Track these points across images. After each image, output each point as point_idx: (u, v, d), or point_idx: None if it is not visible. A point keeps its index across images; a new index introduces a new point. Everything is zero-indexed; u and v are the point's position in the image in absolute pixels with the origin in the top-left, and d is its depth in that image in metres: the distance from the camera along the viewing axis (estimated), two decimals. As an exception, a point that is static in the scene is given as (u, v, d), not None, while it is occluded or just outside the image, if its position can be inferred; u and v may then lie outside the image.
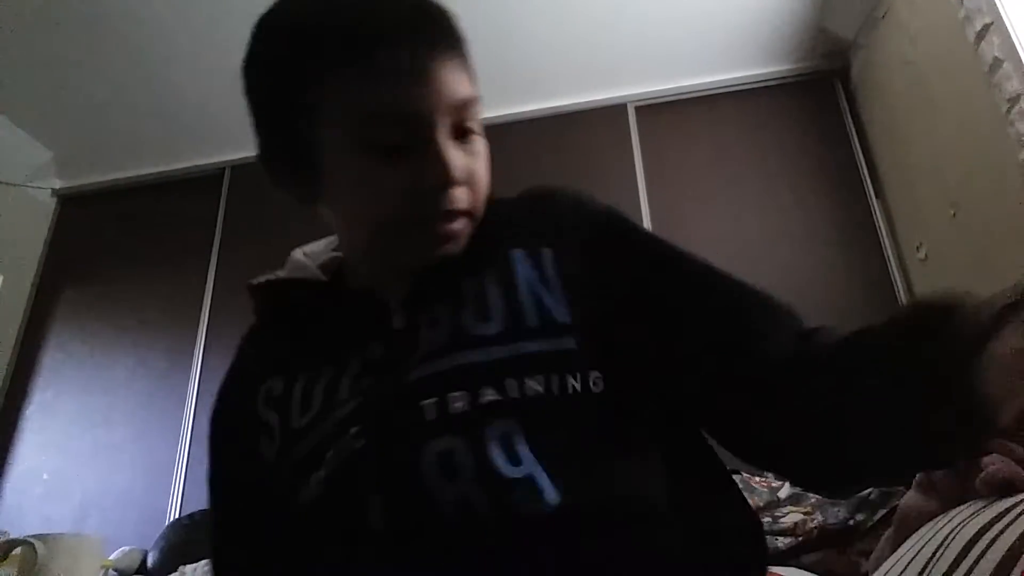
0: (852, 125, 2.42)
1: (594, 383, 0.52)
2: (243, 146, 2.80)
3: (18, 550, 1.25)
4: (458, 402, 0.50)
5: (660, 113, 2.60)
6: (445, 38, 0.54)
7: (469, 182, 0.55)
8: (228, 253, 2.72)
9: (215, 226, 2.77)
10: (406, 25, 0.52)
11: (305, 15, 0.54)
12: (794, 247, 2.29)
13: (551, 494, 0.47)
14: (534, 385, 0.50)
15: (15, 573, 1.22)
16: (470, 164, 0.55)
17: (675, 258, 0.58)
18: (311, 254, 0.67)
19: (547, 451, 0.48)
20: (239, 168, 2.85)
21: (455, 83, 0.53)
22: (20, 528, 2.00)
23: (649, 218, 2.42)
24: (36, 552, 1.23)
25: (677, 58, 2.49)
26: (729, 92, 2.56)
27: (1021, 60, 1.54)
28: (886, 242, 2.24)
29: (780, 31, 2.39)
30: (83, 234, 2.91)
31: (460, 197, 0.54)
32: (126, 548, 2.00)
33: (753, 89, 2.55)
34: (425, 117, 0.52)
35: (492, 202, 0.59)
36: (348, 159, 0.53)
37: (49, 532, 1.31)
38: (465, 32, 0.57)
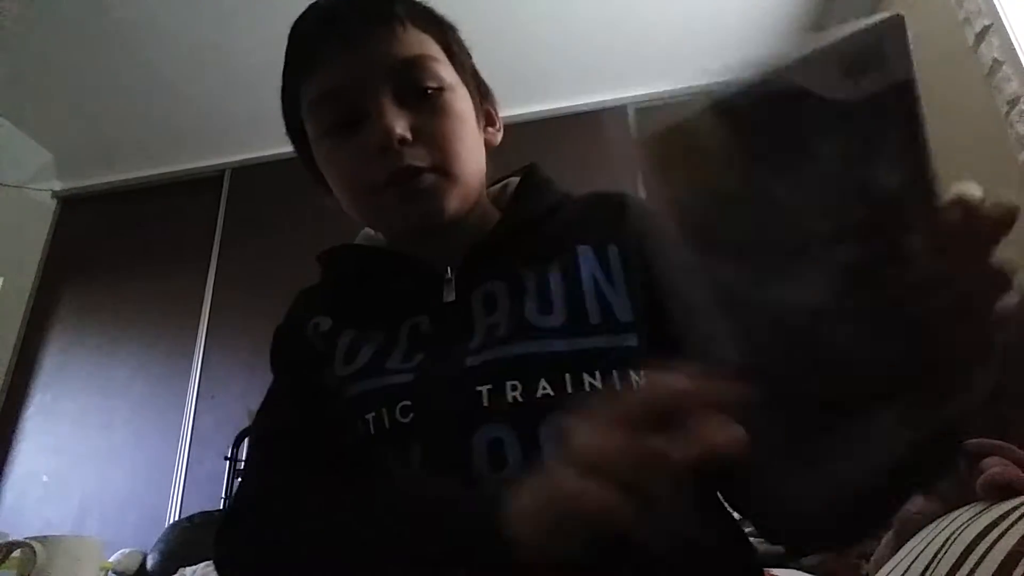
0: (852, 126, 2.42)
1: None
2: (243, 148, 2.80)
3: (17, 552, 1.24)
4: (513, 392, 0.49)
5: (660, 114, 2.59)
6: (377, 13, 0.57)
7: (425, 139, 0.55)
8: (228, 254, 2.72)
9: (215, 227, 2.77)
10: (339, 17, 0.57)
11: (290, 38, 0.60)
12: (794, 248, 2.29)
13: None
14: (592, 381, 0.50)
15: (15, 575, 1.22)
16: (424, 122, 0.56)
17: (667, 262, 0.56)
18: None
19: None
20: (239, 170, 2.85)
21: (389, 48, 0.56)
22: (19, 530, 1.99)
23: (649, 219, 2.42)
24: (35, 554, 1.23)
25: (677, 60, 2.49)
26: (729, 93, 2.56)
27: (1021, 62, 1.54)
28: (886, 243, 2.23)
29: (779, 33, 2.40)
30: (83, 235, 2.91)
31: (414, 154, 0.55)
32: (126, 550, 2.00)
33: (753, 90, 2.54)
34: (359, 88, 0.55)
35: (562, 196, 0.63)
36: (319, 148, 0.59)
37: (49, 534, 1.31)
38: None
